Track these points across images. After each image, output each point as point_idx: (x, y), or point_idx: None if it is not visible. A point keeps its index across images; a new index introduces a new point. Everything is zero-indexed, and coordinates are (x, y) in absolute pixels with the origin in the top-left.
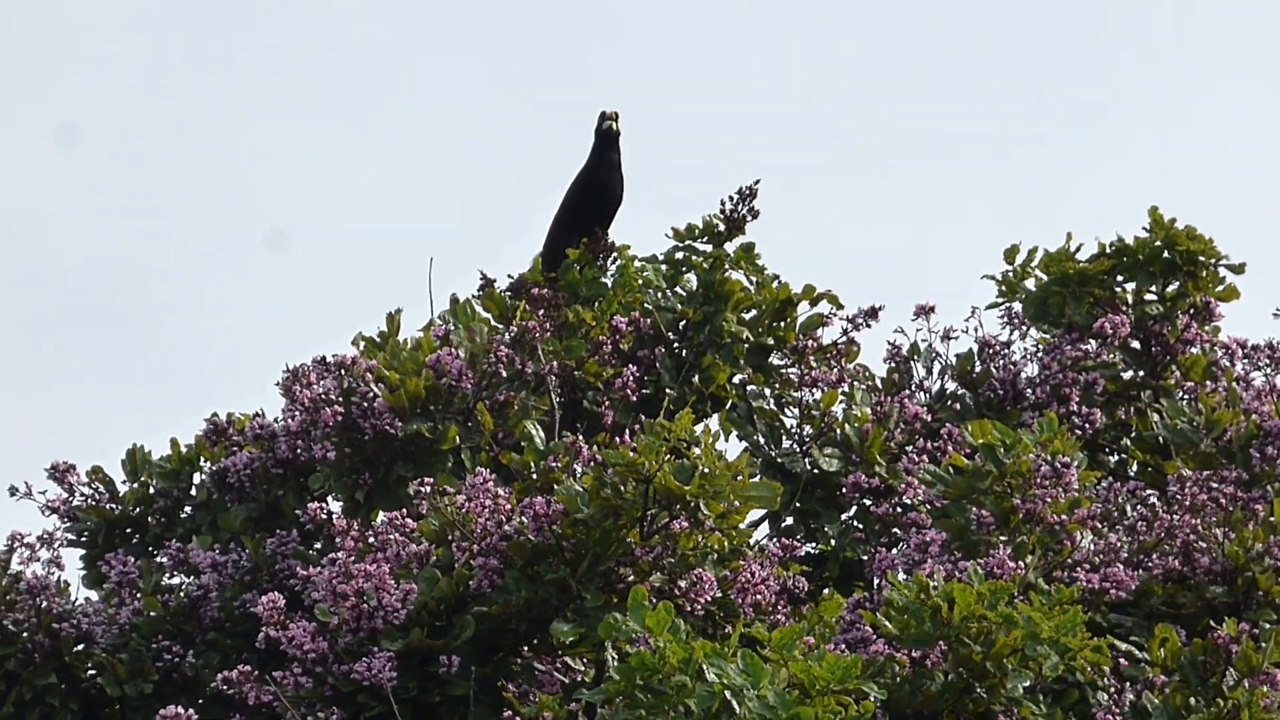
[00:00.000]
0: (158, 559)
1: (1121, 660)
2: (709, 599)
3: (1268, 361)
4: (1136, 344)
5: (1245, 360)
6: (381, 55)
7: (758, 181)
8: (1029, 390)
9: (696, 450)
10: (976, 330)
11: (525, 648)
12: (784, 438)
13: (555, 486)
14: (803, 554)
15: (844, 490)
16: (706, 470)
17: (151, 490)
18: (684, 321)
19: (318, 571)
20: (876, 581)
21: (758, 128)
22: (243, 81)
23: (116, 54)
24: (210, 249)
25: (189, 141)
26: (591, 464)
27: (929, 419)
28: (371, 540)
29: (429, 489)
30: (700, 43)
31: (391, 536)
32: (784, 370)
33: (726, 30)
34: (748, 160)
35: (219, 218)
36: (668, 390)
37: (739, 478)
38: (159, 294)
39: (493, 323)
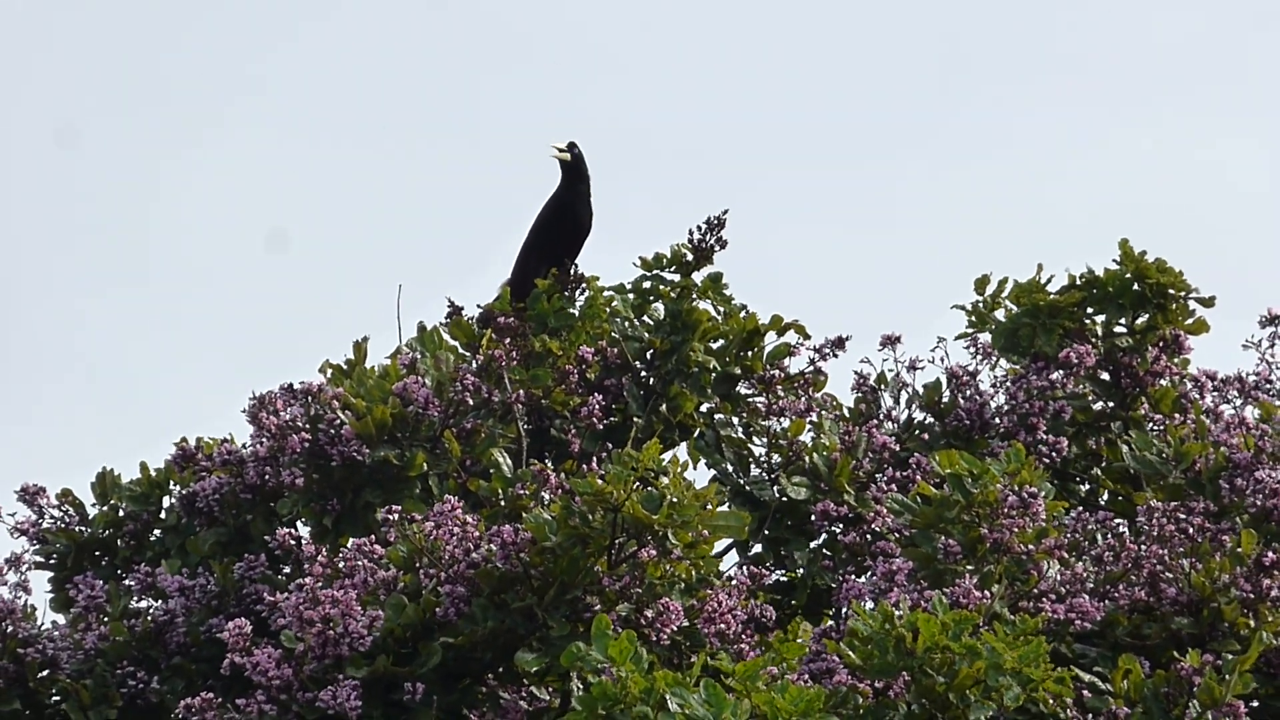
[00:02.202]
0: (126, 583)
1: (1085, 692)
2: (675, 628)
3: (1237, 394)
4: (1106, 375)
5: (1215, 393)
6: (357, 72)
7: (725, 211)
8: (996, 420)
9: (665, 479)
10: (943, 360)
11: (491, 676)
12: (752, 466)
13: (523, 514)
14: (771, 582)
15: (813, 518)
16: (675, 499)
17: (121, 513)
18: (651, 351)
19: (284, 597)
20: (843, 610)
21: (728, 157)
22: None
23: (116, 54)
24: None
25: (187, 143)
26: (559, 492)
27: (897, 448)
28: (339, 566)
29: (397, 516)
30: (666, 70)
31: (359, 563)
32: (751, 399)
33: (693, 57)
34: (717, 190)
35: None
36: (635, 419)
37: (707, 507)
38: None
39: (460, 351)
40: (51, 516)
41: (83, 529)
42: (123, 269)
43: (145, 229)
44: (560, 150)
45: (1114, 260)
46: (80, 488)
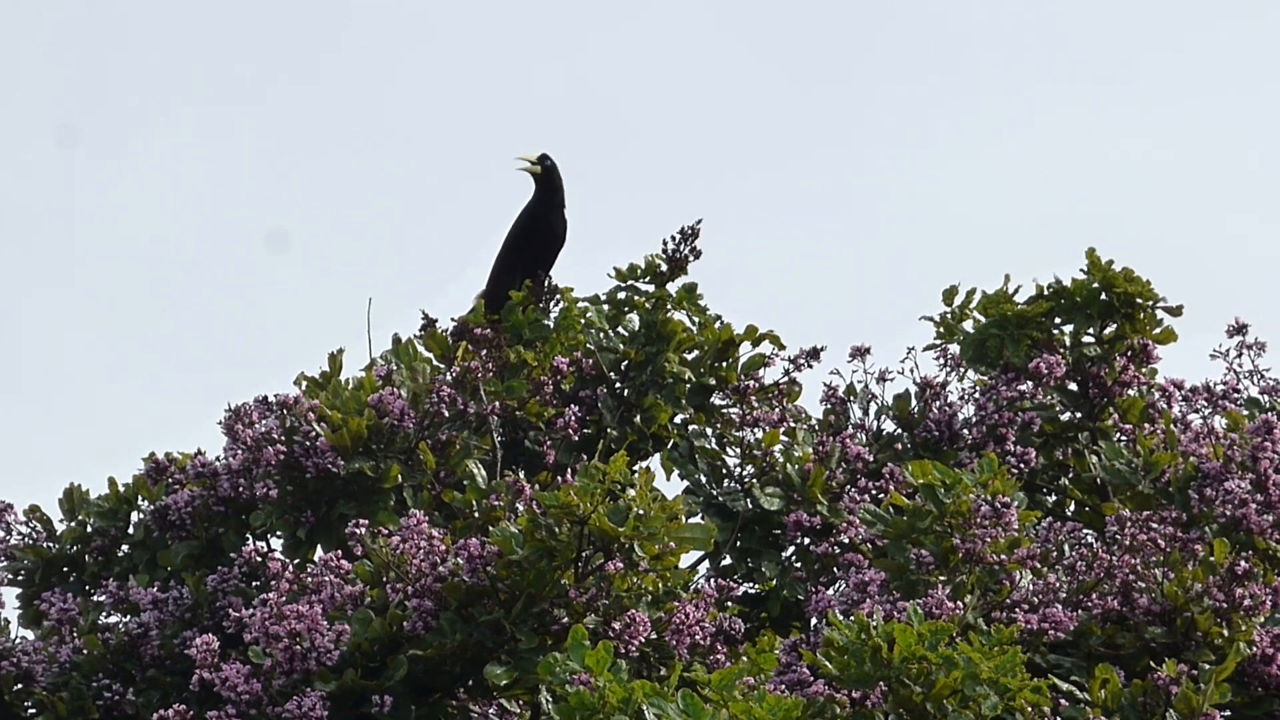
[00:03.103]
0: (95, 598)
1: (1062, 701)
2: (643, 640)
3: (1205, 404)
4: (1074, 386)
5: (1183, 402)
6: (330, 83)
7: (700, 221)
8: (965, 431)
9: (631, 491)
10: (913, 371)
11: (460, 690)
12: (726, 477)
13: (490, 527)
14: (740, 594)
15: (785, 529)
16: (641, 511)
17: (89, 529)
18: (626, 362)
19: (250, 613)
20: (814, 622)
21: (702, 166)
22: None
23: (116, 54)
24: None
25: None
26: (531, 504)
27: (870, 459)
28: (306, 581)
29: (364, 530)
30: (642, 81)
31: (326, 578)
32: (726, 410)
33: (667, 67)
34: (692, 199)
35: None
36: (609, 430)
37: (674, 519)
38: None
39: (434, 363)
40: (19, 533)
41: (50, 545)
42: (93, 281)
43: (118, 240)
44: (531, 163)
45: (1081, 270)
46: (48, 503)
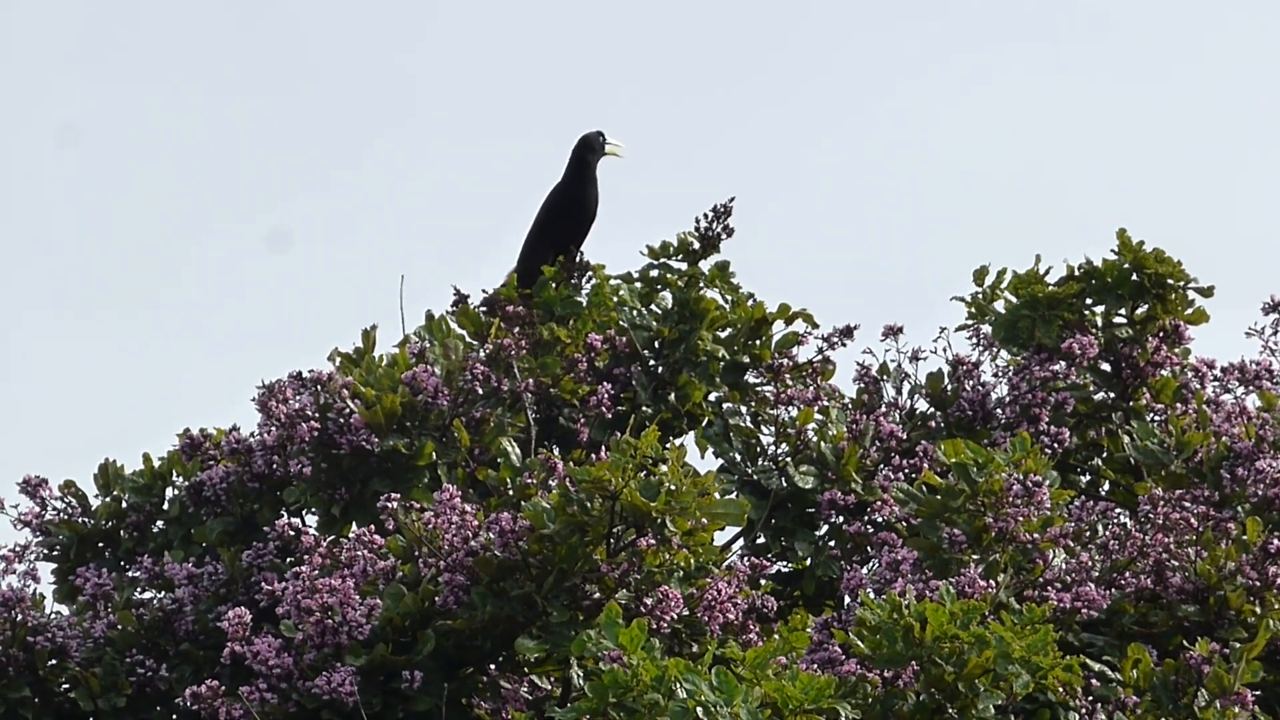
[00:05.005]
0: (130, 573)
1: (1093, 680)
2: (675, 616)
3: (1238, 383)
4: (1107, 366)
5: (1216, 382)
6: (357, 61)
7: (732, 199)
8: (998, 410)
9: (663, 467)
10: (945, 350)
11: (491, 664)
12: (760, 455)
13: (522, 503)
14: (773, 572)
15: (820, 508)
16: (673, 487)
17: (124, 504)
18: (659, 339)
19: (283, 586)
20: (847, 600)
21: (733, 145)
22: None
23: (116, 54)
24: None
25: (189, 141)
26: (564, 479)
27: (904, 437)
28: (340, 556)
29: (395, 505)
30: (673, 58)
31: (359, 553)
32: (759, 388)
33: (696, 44)
34: (724, 177)
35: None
36: (644, 408)
37: (706, 495)
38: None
39: (467, 339)
40: (54, 508)
41: (85, 520)
42: (121, 261)
43: (144, 220)
44: (605, 140)
45: (1112, 250)
46: (83, 479)
